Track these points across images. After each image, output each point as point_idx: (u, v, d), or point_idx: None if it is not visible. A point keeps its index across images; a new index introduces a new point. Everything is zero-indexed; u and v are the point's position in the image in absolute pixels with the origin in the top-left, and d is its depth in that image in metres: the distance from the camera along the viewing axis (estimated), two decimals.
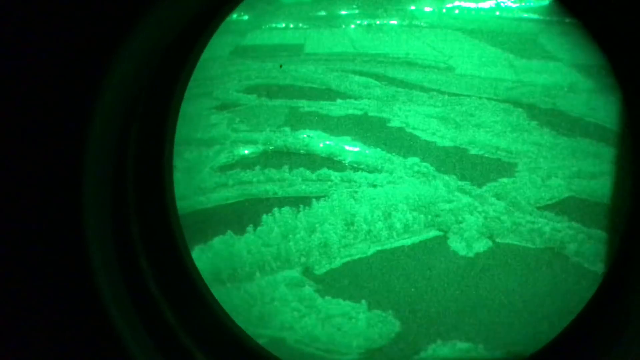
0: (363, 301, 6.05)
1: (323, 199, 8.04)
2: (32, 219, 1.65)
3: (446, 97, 13.50)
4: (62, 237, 1.67)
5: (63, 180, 1.65)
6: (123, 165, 2.03)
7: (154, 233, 2.17)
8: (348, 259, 7.08)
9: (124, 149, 2.01)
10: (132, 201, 2.10)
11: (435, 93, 13.98)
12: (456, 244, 7.29)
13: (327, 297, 6.20)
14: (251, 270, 6.56)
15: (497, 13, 26.08)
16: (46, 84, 1.59)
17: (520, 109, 12.23)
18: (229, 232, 7.09)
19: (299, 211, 7.62)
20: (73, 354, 1.77)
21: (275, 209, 7.58)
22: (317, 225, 7.32)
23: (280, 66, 18.05)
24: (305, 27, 23.50)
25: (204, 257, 6.62)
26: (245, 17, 21.31)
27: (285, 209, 7.65)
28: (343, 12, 25.33)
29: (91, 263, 1.74)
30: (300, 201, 7.92)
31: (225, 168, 9.64)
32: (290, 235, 7.12)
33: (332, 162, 9.86)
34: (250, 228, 7.24)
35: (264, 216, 7.48)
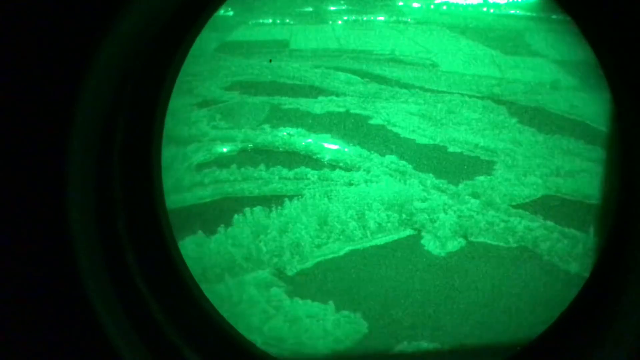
0: (331, 302, 5.99)
1: (296, 198, 7.96)
2: (15, 214, 1.59)
3: (429, 94, 13.44)
4: (47, 233, 1.63)
5: (47, 176, 1.60)
6: (109, 160, 1.97)
7: (141, 228, 2.12)
8: (320, 259, 7.01)
9: (109, 143, 1.96)
10: (119, 196, 2.04)
11: (418, 90, 13.92)
12: (429, 243, 7.25)
13: (295, 299, 6.14)
14: (220, 272, 6.48)
15: (485, 9, 26.07)
16: (29, 75, 1.53)
17: (501, 106, 12.20)
18: (200, 232, 6.99)
19: (271, 211, 7.54)
20: (59, 350, 1.73)
21: (247, 209, 7.49)
22: (289, 225, 7.25)
23: (270, 61, 18.00)
24: (291, 23, 23.38)
25: None
26: (231, 13, 21.15)
27: (258, 208, 7.56)
28: (332, 8, 25.24)
29: (77, 259, 1.69)
30: (274, 200, 7.83)
31: (202, 166, 9.55)
32: (262, 236, 7.04)
33: (310, 160, 9.78)
34: (221, 228, 7.15)
35: (235, 216, 7.39)
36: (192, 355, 2.09)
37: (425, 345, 5.69)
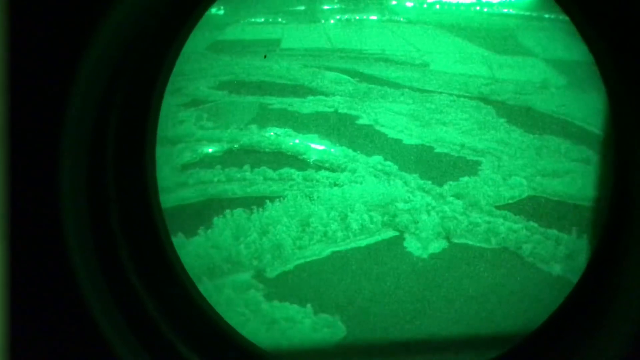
0: (309, 305, 5.95)
1: (278, 199, 7.90)
2: (9, 212, 1.58)
3: (417, 94, 13.39)
4: (40, 229, 1.62)
5: (40, 173, 1.59)
6: (102, 157, 1.96)
7: (135, 225, 2.11)
8: (302, 260, 6.96)
9: (102, 140, 1.95)
10: (113, 193, 2.03)
11: (407, 90, 13.87)
12: (412, 245, 7.21)
13: (274, 301, 6.09)
14: (199, 274, 6.42)
15: (478, 8, 26.02)
16: (21, 72, 1.51)
17: (489, 106, 12.16)
18: (180, 233, 6.93)
19: (252, 212, 7.48)
20: (53, 346, 1.71)
21: (227, 211, 7.43)
22: (270, 226, 7.20)
23: (265, 56, 17.95)
24: (284, 21, 23.30)
25: None
26: (222, 11, 21.05)
27: (238, 210, 7.51)
28: (325, 7, 25.16)
29: (70, 255, 1.68)
30: (254, 202, 7.78)
31: (186, 167, 9.48)
32: (242, 238, 6.98)
33: (296, 160, 9.73)
34: (201, 230, 7.09)
35: (215, 218, 7.33)
36: (187, 351, 2.08)
37: (405, 348, 5.64)
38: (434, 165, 9.47)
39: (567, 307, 2.30)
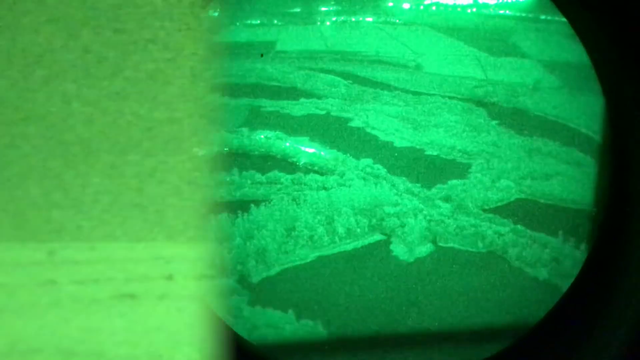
0: (290, 311, 5.90)
1: (264, 203, 7.86)
2: None
3: (410, 96, 13.33)
4: None
5: None
6: None
7: None
8: (287, 265, 6.92)
9: None
10: None
11: (400, 92, 13.80)
12: (398, 248, 7.16)
13: (256, 307, 6.04)
14: None
15: (474, 10, 25.93)
16: None
17: (481, 109, 12.10)
18: None
19: (237, 217, 7.44)
20: None
21: (212, 215, 7.39)
22: (255, 231, 7.15)
23: (261, 55, 17.87)
24: (279, 23, 23.25)
25: None
26: (217, 14, 21.01)
27: (223, 214, 7.46)
28: (322, 9, 25.09)
29: None
30: (240, 206, 7.73)
31: None
32: (226, 243, 6.93)
33: (285, 163, 9.67)
34: None
35: None
36: None
37: (387, 355, 5.59)
38: (423, 168, 9.41)
39: (562, 308, 2.27)
